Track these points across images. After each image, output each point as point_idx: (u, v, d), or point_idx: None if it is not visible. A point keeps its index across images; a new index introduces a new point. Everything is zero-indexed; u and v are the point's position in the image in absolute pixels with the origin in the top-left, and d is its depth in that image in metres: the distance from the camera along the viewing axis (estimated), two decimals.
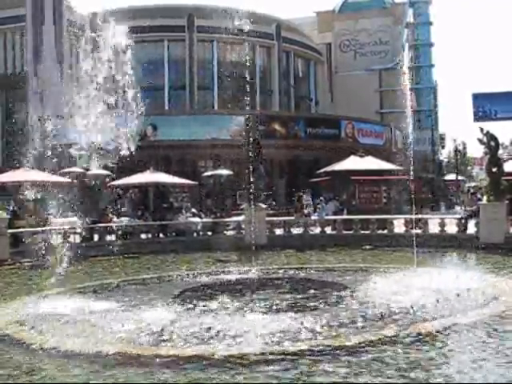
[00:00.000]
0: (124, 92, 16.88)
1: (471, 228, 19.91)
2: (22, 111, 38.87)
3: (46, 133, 28.07)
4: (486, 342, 7.50)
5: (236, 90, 46.48)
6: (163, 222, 22.94)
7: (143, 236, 22.08)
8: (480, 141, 20.33)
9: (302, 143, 38.03)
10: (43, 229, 20.41)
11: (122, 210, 26.80)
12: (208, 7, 46.20)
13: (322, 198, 25.28)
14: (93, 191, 25.11)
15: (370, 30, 56.53)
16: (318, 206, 24.64)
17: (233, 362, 6.68)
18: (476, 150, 60.55)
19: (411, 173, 17.81)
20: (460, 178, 52.84)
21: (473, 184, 47.62)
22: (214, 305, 9.89)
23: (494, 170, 19.39)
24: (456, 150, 53.66)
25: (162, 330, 8.21)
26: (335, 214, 24.39)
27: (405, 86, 19.60)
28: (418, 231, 20.86)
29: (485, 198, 19.75)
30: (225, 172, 29.58)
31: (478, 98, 47.09)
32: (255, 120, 25.59)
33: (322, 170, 28.43)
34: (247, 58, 48.12)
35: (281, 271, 14.66)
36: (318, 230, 22.26)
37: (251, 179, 20.75)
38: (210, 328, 8.11)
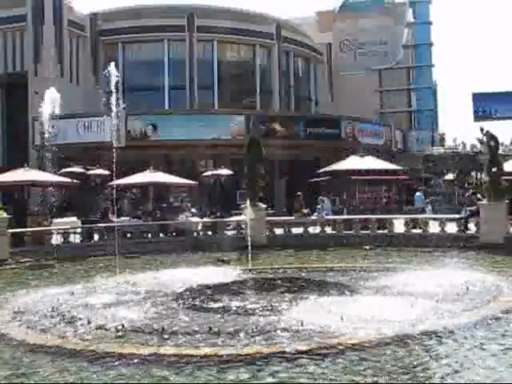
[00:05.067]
0: None
1: (471, 228, 19.93)
2: (22, 111, 38.85)
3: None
4: None
5: (236, 89, 46.62)
6: (163, 222, 22.96)
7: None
8: (480, 141, 20.36)
9: (302, 143, 38.01)
10: (45, 228, 20.48)
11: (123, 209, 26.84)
12: (208, 7, 46.25)
13: (320, 197, 25.29)
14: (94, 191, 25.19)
15: (370, 29, 56.48)
16: (318, 206, 24.65)
17: None
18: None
19: None
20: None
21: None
22: None
23: (494, 169, 19.39)
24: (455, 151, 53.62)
25: None
26: (334, 212, 24.44)
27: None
28: (419, 231, 20.93)
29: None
30: (225, 172, 29.57)
31: (477, 97, 47.12)
32: (255, 120, 25.67)
33: (321, 170, 28.43)
34: (247, 57, 48.26)
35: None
36: (318, 230, 22.27)
37: (251, 179, 20.79)
38: None
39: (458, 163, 41.58)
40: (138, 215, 24.68)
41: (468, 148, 45.24)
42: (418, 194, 30.57)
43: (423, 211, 27.25)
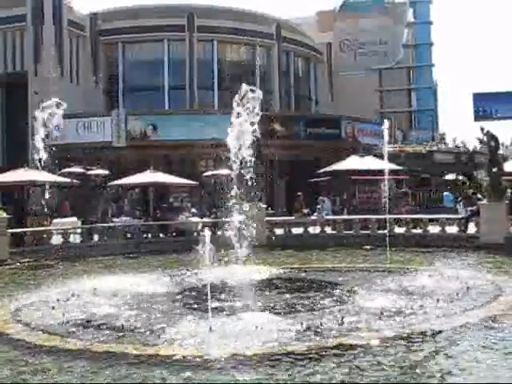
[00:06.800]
0: None
1: (471, 228, 19.89)
2: (22, 111, 38.83)
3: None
4: None
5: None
6: (163, 222, 22.94)
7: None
8: (480, 140, 20.33)
9: (302, 143, 38.00)
10: (45, 228, 20.45)
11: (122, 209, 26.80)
12: (208, 7, 46.26)
13: (321, 197, 25.26)
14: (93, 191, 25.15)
15: (370, 29, 56.50)
16: (318, 206, 24.64)
17: None
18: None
19: None
20: (460, 177, 52.72)
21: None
22: None
23: (494, 170, 19.35)
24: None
25: None
26: (334, 212, 24.41)
27: None
28: (419, 231, 20.90)
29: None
30: (225, 172, 29.53)
31: (478, 97, 47.12)
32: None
33: (321, 170, 28.40)
34: (247, 57, 48.24)
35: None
36: (318, 230, 22.24)
37: (251, 179, 20.70)
38: None
39: (407, 162, 40.77)
40: (138, 215, 24.64)
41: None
42: (445, 193, 30.65)
43: (451, 210, 26.94)
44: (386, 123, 20.01)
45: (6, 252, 17.58)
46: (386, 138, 20.43)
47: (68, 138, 36.42)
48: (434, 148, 40.85)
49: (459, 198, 28.24)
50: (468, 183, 36.21)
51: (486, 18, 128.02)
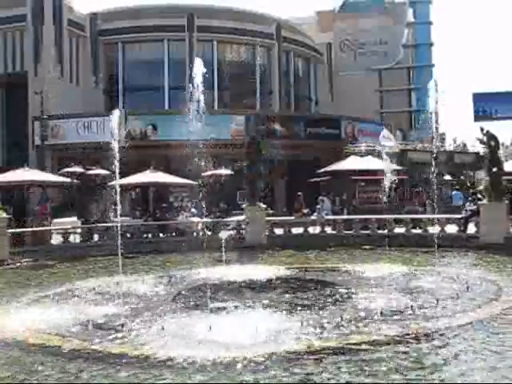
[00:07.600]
0: None
1: (471, 228, 19.87)
2: (22, 111, 38.84)
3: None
4: None
5: (236, 89, 46.63)
6: (163, 222, 22.94)
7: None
8: (480, 140, 20.31)
9: (302, 143, 38.00)
10: (45, 228, 20.45)
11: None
12: (208, 7, 46.27)
13: (320, 197, 25.26)
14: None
15: (370, 29, 56.53)
16: (318, 206, 24.63)
17: None
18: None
19: None
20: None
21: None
22: None
23: (494, 169, 19.32)
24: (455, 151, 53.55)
25: None
26: (334, 212, 24.40)
27: None
28: (419, 231, 20.88)
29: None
30: (225, 172, 29.54)
31: (478, 97, 47.11)
32: (255, 120, 25.60)
33: (321, 170, 28.41)
34: (247, 57, 48.26)
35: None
36: (318, 230, 22.22)
37: (251, 179, 20.76)
38: None
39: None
40: (138, 215, 24.65)
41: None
42: (454, 192, 30.77)
43: (460, 208, 26.89)
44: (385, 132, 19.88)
45: (5, 252, 17.57)
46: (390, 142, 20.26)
47: (68, 138, 36.47)
48: (409, 147, 40.93)
49: (469, 198, 28.16)
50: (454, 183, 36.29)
51: (486, 18, 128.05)
